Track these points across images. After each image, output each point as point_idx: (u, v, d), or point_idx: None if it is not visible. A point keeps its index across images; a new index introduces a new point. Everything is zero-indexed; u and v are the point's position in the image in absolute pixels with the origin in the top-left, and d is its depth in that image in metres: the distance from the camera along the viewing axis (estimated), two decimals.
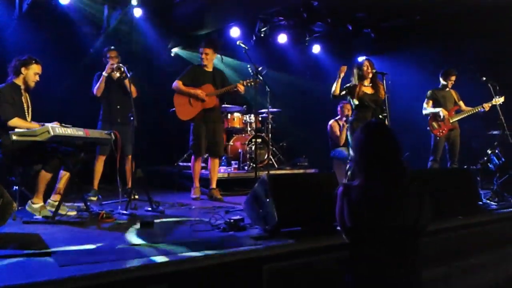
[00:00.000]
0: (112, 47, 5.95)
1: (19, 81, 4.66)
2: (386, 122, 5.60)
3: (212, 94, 5.91)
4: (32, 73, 4.66)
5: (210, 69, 6.02)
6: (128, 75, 5.19)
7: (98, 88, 5.76)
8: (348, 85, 5.75)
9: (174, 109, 6.00)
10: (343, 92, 5.67)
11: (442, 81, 6.96)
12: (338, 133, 7.67)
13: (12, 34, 6.65)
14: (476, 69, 7.49)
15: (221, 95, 6.04)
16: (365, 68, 5.64)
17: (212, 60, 6.04)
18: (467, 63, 7.88)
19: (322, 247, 3.33)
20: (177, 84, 5.90)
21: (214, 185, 6.00)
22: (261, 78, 5.92)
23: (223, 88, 5.94)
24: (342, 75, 5.62)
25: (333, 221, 3.17)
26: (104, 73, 5.71)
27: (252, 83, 5.84)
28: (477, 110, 6.72)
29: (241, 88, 5.84)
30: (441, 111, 6.73)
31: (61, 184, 4.55)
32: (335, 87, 5.60)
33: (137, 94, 5.71)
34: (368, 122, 2.67)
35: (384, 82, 5.56)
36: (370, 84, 5.71)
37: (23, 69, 4.64)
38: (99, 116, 5.92)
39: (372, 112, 5.66)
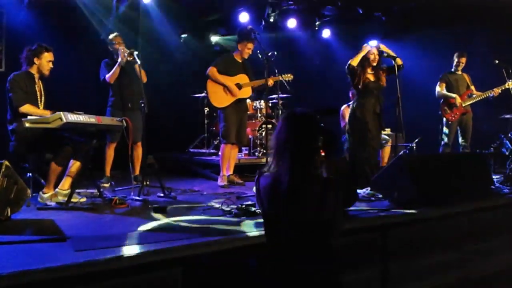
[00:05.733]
0: (116, 33, 5.89)
1: (33, 70, 4.67)
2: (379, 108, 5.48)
3: (247, 85, 6.02)
4: (45, 61, 4.67)
5: (240, 60, 6.08)
6: (138, 61, 5.17)
7: (112, 75, 5.62)
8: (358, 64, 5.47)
9: (202, 94, 5.97)
10: (357, 69, 5.41)
11: (453, 64, 6.88)
12: None
13: (22, 22, 6.65)
14: (488, 53, 7.39)
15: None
16: (372, 57, 5.43)
17: None
18: (478, 46, 7.77)
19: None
20: (212, 70, 5.93)
21: (231, 171, 6.09)
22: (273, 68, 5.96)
23: (256, 81, 6.05)
24: (364, 51, 5.44)
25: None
26: (120, 61, 5.55)
27: (287, 78, 6.02)
28: (487, 95, 6.66)
29: (271, 83, 5.93)
30: (455, 99, 6.67)
31: (71, 171, 4.51)
32: (355, 59, 5.42)
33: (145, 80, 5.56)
34: (289, 112, 2.45)
35: (396, 66, 5.41)
36: (372, 72, 5.50)
37: (35, 60, 4.64)
38: (108, 102, 5.83)
39: (375, 99, 5.47)
